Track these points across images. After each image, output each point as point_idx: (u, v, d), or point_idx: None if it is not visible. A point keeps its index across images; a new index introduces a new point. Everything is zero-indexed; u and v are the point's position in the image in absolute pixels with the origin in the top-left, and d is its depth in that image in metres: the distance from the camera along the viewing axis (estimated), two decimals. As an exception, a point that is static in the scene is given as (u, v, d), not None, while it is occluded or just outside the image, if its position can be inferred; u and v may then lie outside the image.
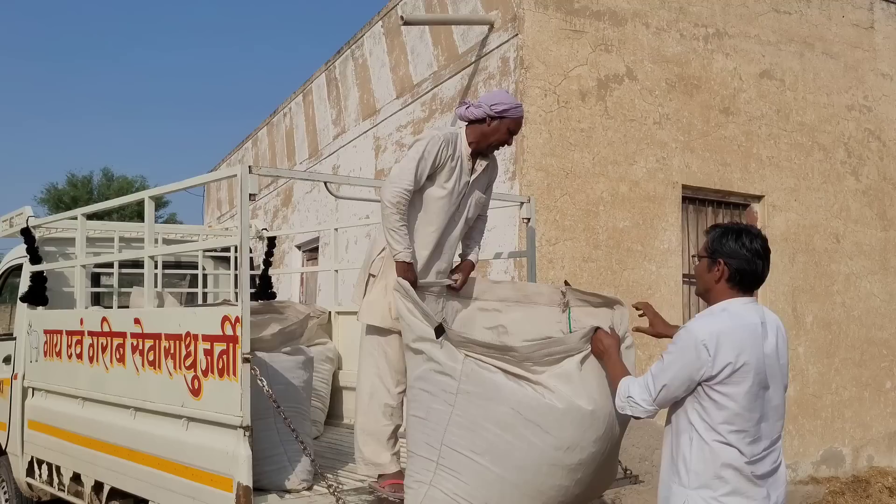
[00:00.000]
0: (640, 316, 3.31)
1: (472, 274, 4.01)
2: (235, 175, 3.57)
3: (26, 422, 5.64)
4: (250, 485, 3.38)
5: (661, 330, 3.27)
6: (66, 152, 64.57)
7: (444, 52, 7.66)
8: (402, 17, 7.01)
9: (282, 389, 3.82)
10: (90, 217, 5.56)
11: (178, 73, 77.91)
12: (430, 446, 3.24)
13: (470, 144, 3.76)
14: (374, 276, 3.77)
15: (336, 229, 6.48)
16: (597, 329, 3.12)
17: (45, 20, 70.22)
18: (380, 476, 3.72)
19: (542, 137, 6.48)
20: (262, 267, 7.05)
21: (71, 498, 5.03)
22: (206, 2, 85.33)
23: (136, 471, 4.19)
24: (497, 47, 6.78)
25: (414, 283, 3.52)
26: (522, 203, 4.96)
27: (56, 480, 5.21)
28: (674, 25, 7.25)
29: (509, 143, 3.85)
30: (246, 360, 3.43)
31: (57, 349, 5.25)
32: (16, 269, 6.40)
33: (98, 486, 4.65)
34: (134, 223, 7.84)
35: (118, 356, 4.46)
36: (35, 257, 5.85)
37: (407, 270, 3.56)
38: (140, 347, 4.24)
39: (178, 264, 7.19)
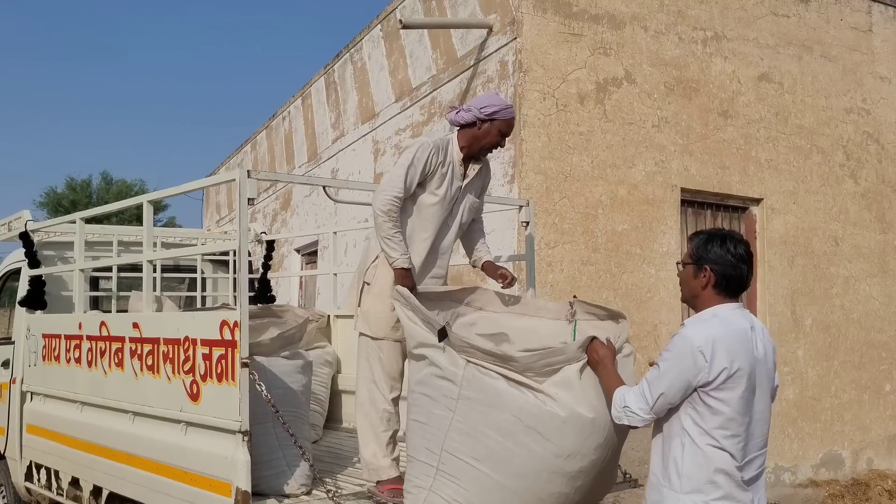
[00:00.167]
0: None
1: (473, 283, 4.01)
2: (234, 179, 3.57)
3: (25, 426, 5.63)
4: (249, 490, 3.38)
5: None
6: (65, 155, 64.67)
7: (443, 55, 7.67)
8: (400, 21, 7.02)
9: (280, 394, 3.82)
10: (89, 221, 5.56)
11: (177, 76, 78.06)
12: (431, 451, 3.24)
13: (461, 149, 3.74)
14: (368, 283, 3.76)
15: (335, 233, 6.48)
16: (593, 339, 3.12)
17: (43, 21, 70.35)
18: (378, 481, 3.71)
19: (540, 141, 6.49)
20: (261, 270, 7.05)
21: (69, 502, 5.02)
22: (206, 5, 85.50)
23: (135, 475, 4.18)
24: (496, 51, 6.79)
25: (413, 289, 3.52)
26: (521, 206, 4.96)
27: (55, 485, 5.20)
28: (672, 29, 7.25)
29: (502, 146, 3.83)
30: (244, 365, 3.42)
31: (55, 353, 5.24)
32: (14, 273, 6.40)
33: (97, 491, 4.64)
34: (133, 227, 7.84)
35: (117, 360, 4.46)
36: (34, 261, 5.85)
37: (405, 277, 3.55)
38: (139, 352, 4.24)
39: (176, 268, 7.19)
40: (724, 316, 2.73)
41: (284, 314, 5.22)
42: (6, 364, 6.10)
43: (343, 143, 9.86)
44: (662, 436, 2.79)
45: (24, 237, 5.87)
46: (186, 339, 3.81)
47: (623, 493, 5.12)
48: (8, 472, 6.09)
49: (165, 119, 75.29)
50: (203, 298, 7.08)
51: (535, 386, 3.10)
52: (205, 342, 3.68)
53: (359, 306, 3.80)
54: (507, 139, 3.86)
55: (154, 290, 6.31)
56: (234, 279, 6.79)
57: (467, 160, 3.79)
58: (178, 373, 3.87)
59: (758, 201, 7.72)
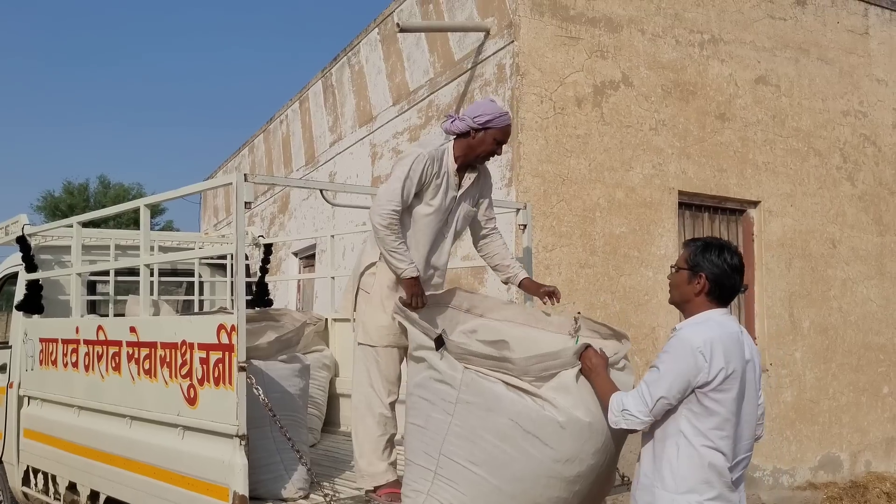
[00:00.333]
0: None
1: (470, 286, 4.00)
2: (231, 183, 3.57)
3: (22, 431, 5.62)
4: (246, 494, 3.37)
5: None
6: (62, 159, 64.56)
7: (441, 58, 7.67)
8: (398, 25, 7.03)
9: (278, 397, 3.81)
10: (86, 225, 5.55)
11: (174, 79, 78.02)
12: (428, 455, 3.23)
13: (457, 159, 3.70)
14: (366, 291, 3.74)
15: (332, 236, 6.47)
16: (587, 346, 3.15)
17: (40, 24, 70.32)
18: (376, 486, 3.71)
19: (538, 144, 6.49)
20: (259, 274, 7.04)
21: (66, 507, 5.01)
22: (203, 8, 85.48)
23: (132, 480, 4.17)
24: (493, 54, 6.79)
25: (422, 296, 3.54)
26: (519, 209, 4.97)
27: (52, 490, 5.18)
28: (669, 32, 7.27)
29: (499, 153, 3.77)
30: (242, 369, 3.42)
31: (52, 358, 5.23)
32: (11, 277, 6.39)
33: (94, 496, 4.63)
34: (130, 231, 7.83)
35: (114, 365, 4.45)
36: (31, 265, 5.84)
37: (415, 285, 3.55)
38: (136, 356, 4.23)
39: (174, 272, 7.18)
40: (717, 320, 2.81)
41: (282, 318, 5.21)
42: (3, 368, 6.08)
43: (340, 146, 9.87)
44: (654, 437, 2.83)
45: (22, 241, 5.86)
46: (184, 342, 3.81)
47: (621, 496, 5.11)
48: (5, 477, 6.07)
49: (163, 122, 75.28)
50: (200, 302, 7.07)
51: (533, 391, 3.10)
52: (202, 346, 3.67)
53: (354, 311, 3.79)
54: (504, 146, 3.83)
55: (151, 293, 6.31)
56: (232, 283, 6.79)
57: (462, 169, 3.77)
58: (176, 377, 3.86)
59: (755, 204, 7.73)
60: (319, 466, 4.26)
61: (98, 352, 4.63)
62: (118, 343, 4.41)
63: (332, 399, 5.59)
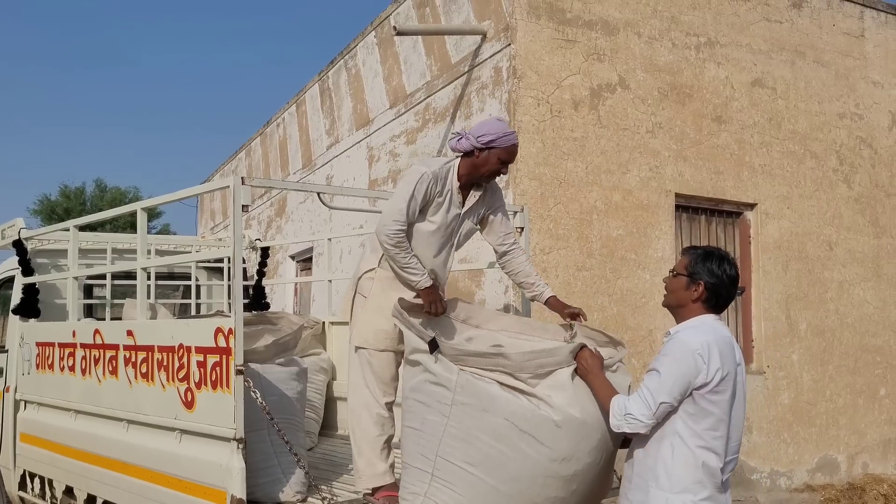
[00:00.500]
0: None
1: (468, 290, 4.00)
2: (228, 186, 3.57)
3: (18, 435, 5.61)
4: (244, 497, 3.37)
5: None
6: (58, 163, 64.40)
7: (437, 61, 7.68)
8: (394, 28, 7.03)
9: (275, 401, 3.81)
10: (83, 228, 5.54)
11: (171, 82, 77.92)
12: (425, 457, 3.24)
13: (461, 177, 3.72)
14: (364, 296, 3.74)
15: (330, 239, 6.48)
16: (583, 346, 3.16)
17: (37, 28, 70.26)
18: (374, 488, 3.71)
19: (535, 147, 6.50)
20: (256, 277, 7.04)
21: (63, 511, 5.00)
22: (200, 13, 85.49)
23: (129, 484, 4.17)
24: (490, 57, 6.80)
25: (441, 302, 3.58)
26: (516, 212, 4.97)
27: (48, 494, 5.17)
28: (666, 35, 7.28)
29: (504, 173, 3.78)
30: (239, 372, 3.42)
31: (49, 361, 5.22)
32: (8, 281, 6.38)
33: (91, 500, 4.62)
34: (126, 234, 7.82)
35: (111, 368, 4.44)
36: (27, 269, 5.83)
37: (432, 293, 3.59)
38: (133, 359, 4.23)
39: (171, 275, 7.17)
40: (711, 324, 2.89)
41: (279, 321, 5.21)
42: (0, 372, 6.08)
43: (337, 149, 9.87)
44: (648, 438, 2.86)
45: (18, 245, 5.85)
46: (181, 346, 3.81)
47: (618, 496, 5.11)
48: (2, 482, 6.06)
49: (159, 126, 75.19)
50: (198, 306, 7.06)
51: (529, 390, 3.11)
52: (199, 349, 3.67)
53: (352, 317, 3.80)
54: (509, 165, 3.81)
55: (148, 297, 6.29)
56: (229, 286, 6.78)
57: (466, 188, 3.77)
58: (173, 380, 3.86)
59: (752, 206, 7.75)
60: (317, 470, 4.25)
61: (95, 355, 4.62)
62: (115, 347, 4.40)
63: (330, 402, 5.59)
